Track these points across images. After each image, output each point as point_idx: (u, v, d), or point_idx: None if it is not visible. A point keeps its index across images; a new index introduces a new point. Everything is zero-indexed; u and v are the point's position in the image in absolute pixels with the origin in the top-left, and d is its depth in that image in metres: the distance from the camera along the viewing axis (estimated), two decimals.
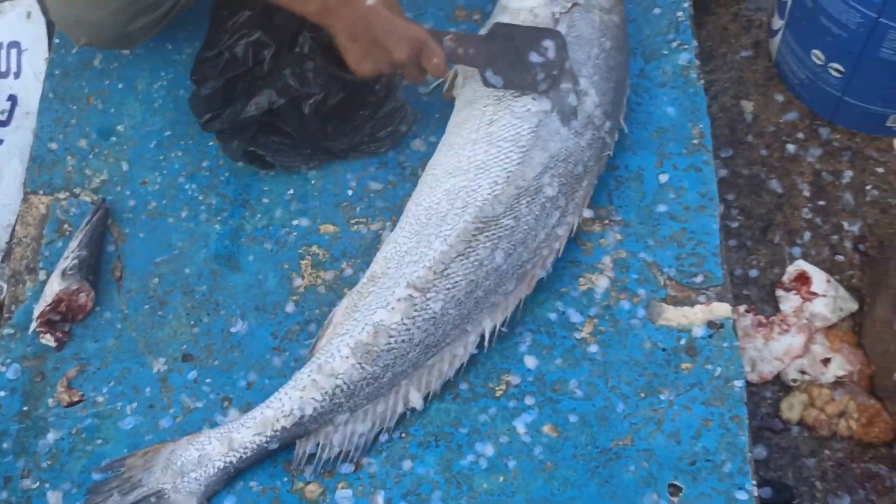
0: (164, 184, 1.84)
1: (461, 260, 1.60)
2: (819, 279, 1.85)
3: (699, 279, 1.70)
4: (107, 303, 1.74)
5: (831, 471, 1.73)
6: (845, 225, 1.95)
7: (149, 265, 1.77)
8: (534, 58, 1.67)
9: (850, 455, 1.74)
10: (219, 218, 1.80)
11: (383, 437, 1.59)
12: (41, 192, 1.85)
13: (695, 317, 1.67)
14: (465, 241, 1.60)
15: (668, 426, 1.58)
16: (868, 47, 1.84)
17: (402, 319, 1.57)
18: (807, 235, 1.94)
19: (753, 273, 1.92)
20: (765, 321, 1.82)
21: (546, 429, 1.59)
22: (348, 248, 1.77)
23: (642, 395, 1.61)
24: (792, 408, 1.76)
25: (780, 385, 1.79)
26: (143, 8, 1.77)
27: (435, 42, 1.64)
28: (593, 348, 1.65)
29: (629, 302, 1.69)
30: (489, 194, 1.63)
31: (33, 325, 1.70)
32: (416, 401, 1.60)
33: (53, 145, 1.89)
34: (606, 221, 1.76)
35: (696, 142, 1.83)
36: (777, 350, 1.79)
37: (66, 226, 1.81)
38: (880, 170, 2.02)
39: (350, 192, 1.82)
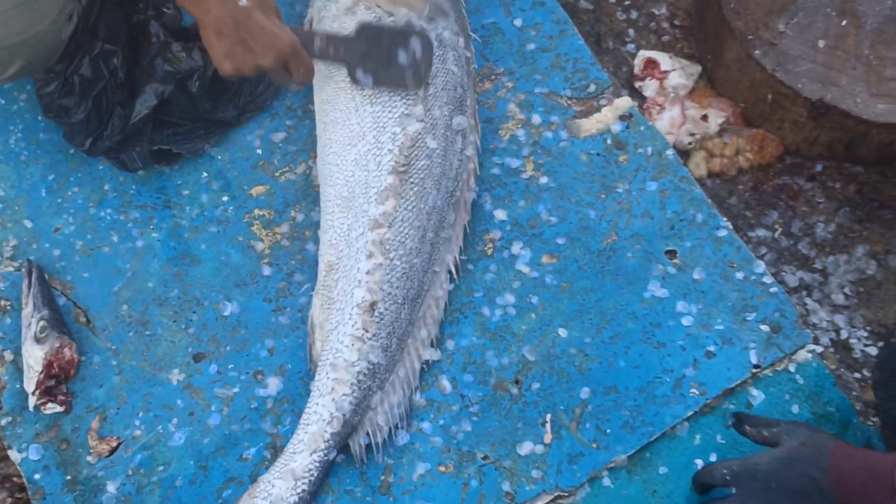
0: (78, 222, 1.79)
1: (400, 213, 1.66)
2: (663, 59, 2.10)
3: (592, 88, 1.90)
4: (89, 350, 1.69)
5: (751, 199, 2.00)
6: (655, 11, 2.21)
7: (110, 298, 1.73)
8: (402, 58, 1.72)
9: (758, 180, 2.02)
10: (151, 227, 1.79)
11: (416, 396, 1.65)
12: None
13: (606, 118, 1.87)
14: (395, 195, 1.66)
15: (637, 209, 1.78)
16: None
17: (379, 287, 1.62)
18: (631, 32, 2.18)
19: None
20: (642, 109, 2.04)
21: (545, 259, 1.74)
22: (287, 197, 1.81)
23: (602, 196, 1.80)
24: (698, 165, 2.01)
25: (680, 152, 2.02)
26: (69, 11, 1.69)
27: (303, 50, 1.65)
28: (543, 179, 1.81)
29: (549, 130, 1.86)
30: (394, 146, 1.69)
31: (32, 400, 1.63)
32: (429, 353, 1.66)
33: None
34: (493, 77, 1.92)
35: None
36: (664, 126, 2.02)
37: (2, 302, 1.73)
38: None
39: (260, 151, 1.85)
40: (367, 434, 1.57)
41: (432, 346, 1.67)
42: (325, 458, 1.54)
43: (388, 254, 1.64)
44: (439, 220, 1.70)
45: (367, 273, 1.63)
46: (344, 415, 1.55)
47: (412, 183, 1.68)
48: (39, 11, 1.62)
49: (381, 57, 1.72)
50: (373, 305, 1.61)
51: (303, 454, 1.53)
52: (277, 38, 1.59)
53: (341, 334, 1.60)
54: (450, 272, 1.71)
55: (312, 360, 1.63)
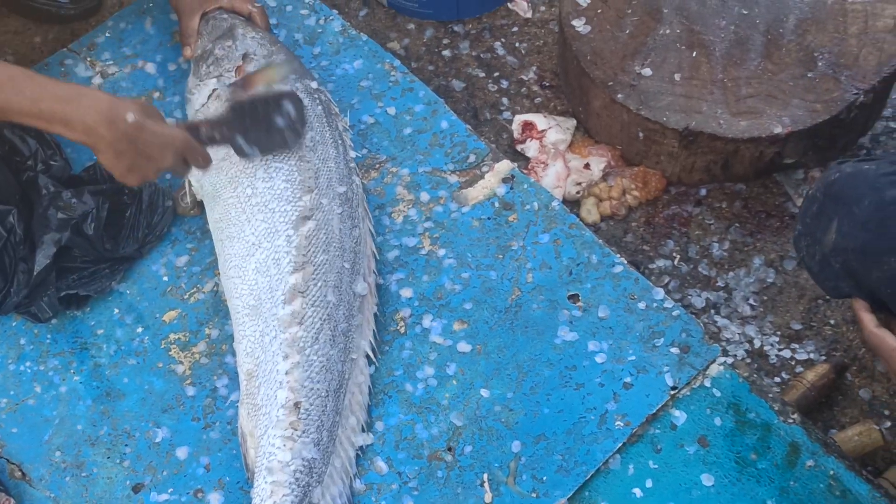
0: (0, 381, 1.82)
1: (308, 309, 1.71)
2: (538, 119, 2.19)
3: (472, 158, 1.99)
4: (29, 502, 1.70)
5: (645, 233, 2.08)
6: (524, 77, 2.32)
7: (41, 448, 1.75)
8: (279, 121, 1.81)
9: (649, 214, 2.10)
10: (71, 371, 1.82)
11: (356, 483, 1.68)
12: None
13: (491, 183, 1.95)
14: (300, 294, 1.72)
15: (534, 262, 1.85)
16: None
17: (300, 385, 1.65)
18: (505, 101, 2.28)
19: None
20: (527, 169, 2.13)
21: (456, 326, 1.80)
22: (199, 317, 1.86)
23: (500, 256, 1.87)
24: (590, 212, 2.09)
25: (571, 203, 2.10)
26: None
27: (195, 141, 1.72)
28: (441, 251, 1.88)
29: (439, 205, 1.93)
30: (290, 247, 1.75)
31: None
32: (361, 439, 1.70)
33: None
34: (377, 165, 2.00)
35: (393, 73, 2.11)
36: (551, 181, 2.10)
37: None
38: (515, 29, 2.41)
39: (166, 279, 1.90)
40: None
41: (363, 431, 1.71)
42: None
43: (303, 351, 1.68)
44: (348, 310, 1.75)
45: (287, 373, 1.67)
46: None
47: (314, 278, 1.74)
48: None
49: (259, 126, 1.81)
50: (297, 404, 1.64)
51: None
52: (170, 139, 1.67)
53: (272, 437, 1.63)
54: (367, 356, 1.76)
55: (249, 469, 1.65)
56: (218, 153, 1.82)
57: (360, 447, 1.70)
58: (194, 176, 1.88)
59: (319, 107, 1.93)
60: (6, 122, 1.73)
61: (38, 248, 1.81)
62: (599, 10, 2.14)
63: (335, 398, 1.69)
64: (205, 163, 1.75)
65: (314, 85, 1.95)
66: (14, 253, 1.83)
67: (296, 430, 1.63)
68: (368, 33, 2.24)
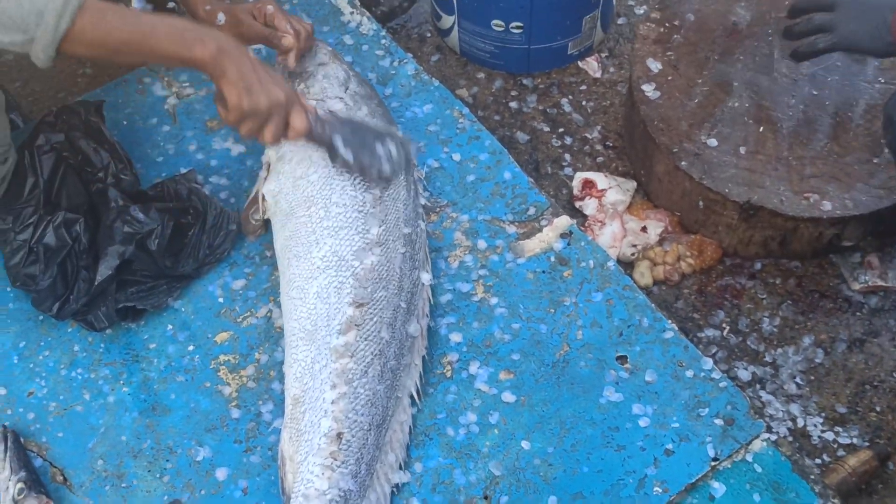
0: (51, 384, 1.85)
1: (361, 343, 1.73)
2: (599, 178, 2.21)
3: (532, 211, 2.01)
4: None
5: (697, 301, 2.09)
6: (588, 135, 2.34)
7: (85, 454, 1.77)
8: (379, 149, 1.85)
9: (702, 283, 2.11)
10: (121, 382, 1.85)
11: None
12: None
13: (548, 237, 1.97)
14: (356, 326, 1.74)
15: (586, 320, 1.86)
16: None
17: (344, 416, 1.67)
18: (567, 157, 2.31)
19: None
20: (584, 226, 2.15)
21: (502, 375, 1.81)
22: (251, 341, 1.88)
23: (551, 310, 1.88)
24: (643, 275, 2.10)
25: (625, 264, 2.11)
26: (2, 154, 1.85)
27: (305, 103, 1.78)
28: (493, 300, 1.90)
29: (495, 254, 1.95)
30: (353, 278, 1.78)
31: None
32: (398, 476, 1.71)
33: None
34: (437, 209, 2.02)
35: (461, 121, 2.14)
36: (606, 241, 2.11)
37: None
38: (583, 87, 2.44)
39: (221, 300, 1.93)
40: None
41: (401, 468, 1.72)
42: None
43: (351, 383, 1.70)
44: (399, 348, 1.77)
45: (333, 403, 1.68)
46: None
47: (371, 313, 1.76)
48: None
49: (360, 142, 1.84)
50: (340, 434, 1.66)
51: None
52: (284, 85, 1.74)
53: (311, 464, 1.64)
54: (411, 397, 1.78)
55: (285, 493, 1.67)
56: (296, 171, 1.86)
57: (396, 484, 1.71)
58: (270, 184, 1.92)
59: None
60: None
61: (101, 259, 1.84)
62: (670, 77, 2.16)
63: (377, 433, 1.70)
64: (301, 127, 1.76)
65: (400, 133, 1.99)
66: (77, 261, 1.87)
67: (335, 459, 1.64)
68: (439, 79, 2.28)
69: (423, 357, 1.81)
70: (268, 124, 1.72)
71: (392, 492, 1.69)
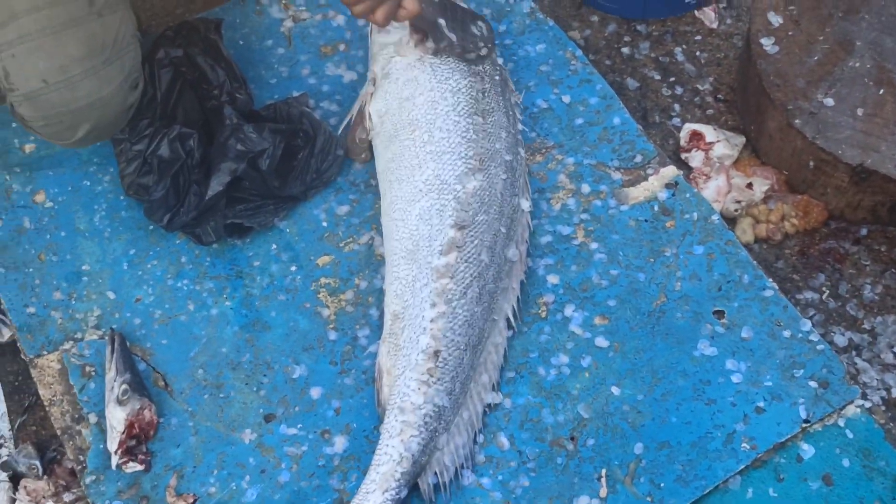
0: (157, 292, 1.91)
1: (461, 264, 1.77)
2: (707, 131, 2.18)
3: (638, 158, 2.00)
4: (167, 412, 1.79)
5: (798, 262, 2.06)
6: (699, 87, 2.31)
7: (186, 363, 1.84)
8: (474, 30, 1.94)
9: (804, 244, 2.08)
10: (224, 296, 1.90)
11: (479, 438, 1.73)
12: (44, 351, 1.87)
13: (653, 186, 1.96)
14: (456, 248, 1.78)
15: (685, 272, 1.86)
16: None
17: (443, 335, 1.72)
18: (676, 107, 2.28)
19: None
20: (689, 178, 2.13)
21: (597, 320, 1.82)
22: (352, 266, 1.92)
23: (651, 260, 1.88)
24: (745, 232, 2.08)
25: (727, 219, 2.09)
26: (133, 80, 1.87)
27: None
28: (594, 245, 1.90)
29: (598, 199, 1.95)
30: (455, 201, 1.81)
31: (115, 459, 1.73)
32: (491, 397, 1.75)
33: (31, 309, 1.91)
34: (543, 150, 2.02)
35: (573, 63, 2.13)
36: (710, 195, 2.09)
37: (87, 368, 1.84)
38: (698, 37, 2.40)
39: (325, 224, 1.97)
40: (435, 473, 1.66)
41: (493, 390, 1.76)
42: (397, 496, 1.62)
43: (450, 302, 1.74)
44: (497, 272, 1.80)
45: (432, 321, 1.72)
46: (412, 455, 1.63)
47: (472, 236, 1.79)
48: (106, 78, 1.80)
49: (458, 22, 1.94)
50: (437, 352, 1.70)
51: (375, 493, 1.61)
52: None
53: (408, 379, 1.69)
54: (508, 321, 1.80)
55: (381, 405, 1.72)
56: (403, 92, 1.92)
57: (489, 404, 1.74)
58: (377, 103, 1.97)
59: (498, 76, 1.98)
60: None
61: (213, 175, 1.89)
62: (790, 32, 2.11)
63: (472, 353, 1.74)
64: (413, 9, 1.77)
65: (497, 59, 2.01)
66: (189, 175, 1.92)
67: (432, 376, 1.68)
68: (553, 19, 2.26)
69: (522, 283, 1.83)
70: (382, 3, 1.73)
71: (484, 411, 1.73)
